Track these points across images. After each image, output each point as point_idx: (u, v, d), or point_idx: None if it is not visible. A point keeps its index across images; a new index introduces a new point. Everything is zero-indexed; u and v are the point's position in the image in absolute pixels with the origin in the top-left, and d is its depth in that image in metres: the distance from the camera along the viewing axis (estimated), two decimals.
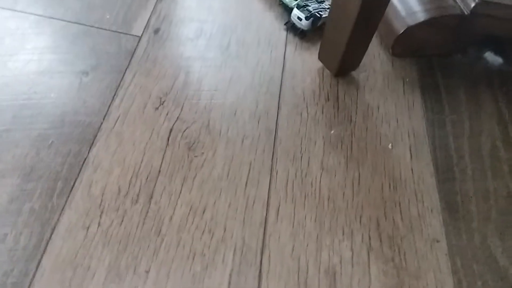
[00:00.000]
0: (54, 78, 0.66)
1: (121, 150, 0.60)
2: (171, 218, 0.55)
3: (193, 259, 0.52)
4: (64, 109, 0.62)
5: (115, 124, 0.62)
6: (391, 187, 0.61)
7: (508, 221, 0.59)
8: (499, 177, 0.63)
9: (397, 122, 0.68)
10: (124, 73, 0.68)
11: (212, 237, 0.54)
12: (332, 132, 0.66)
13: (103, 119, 0.62)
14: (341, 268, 0.53)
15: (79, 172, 0.57)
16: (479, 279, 0.54)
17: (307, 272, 0.52)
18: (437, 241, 0.56)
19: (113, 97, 0.65)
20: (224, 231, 0.54)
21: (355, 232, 0.56)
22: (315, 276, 0.52)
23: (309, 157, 0.63)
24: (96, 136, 0.61)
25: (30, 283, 0.48)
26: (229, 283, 0.50)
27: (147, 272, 0.50)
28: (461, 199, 0.60)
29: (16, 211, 0.53)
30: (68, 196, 0.55)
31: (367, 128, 0.67)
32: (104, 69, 0.68)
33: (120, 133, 0.61)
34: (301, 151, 0.63)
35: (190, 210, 0.56)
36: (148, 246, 0.52)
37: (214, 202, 0.57)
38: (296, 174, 0.61)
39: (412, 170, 0.63)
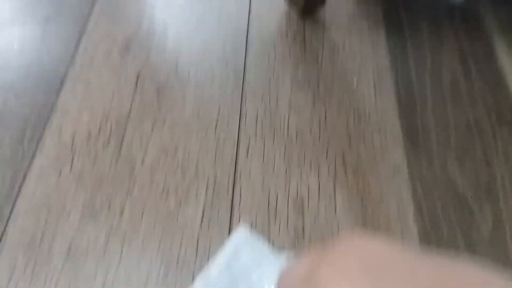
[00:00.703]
0: (15, 27, 0.64)
1: (89, 96, 0.60)
2: (143, 159, 0.56)
3: (167, 197, 0.54)
4: (28, 58, 0.62)
5: (81, 70, 0.62)
6: (356, 121, 0.63)
7: (466, 148, 0.62)
8: (458, 107, 0.65)
9: (362, 58, 0.69)
10: (87, 18, 0.67)
11: (184, 176, 0.55)
12: (299, 71, 0.67)
13: (69, 66, 0.62)
14: (308, 198, 0.55)
15: (48, 119, 0.57)
16: (438, 202, 0.57)
17: (277, 203, 0.55)
18: (399, 169, 0.59)
19: (78, 44, 0.64)
20: (196, 169, 0.56)
21: (322, 165, 0.58)
22: (284, 206, 0.54)
23: (277, 97, 0.64)
24: (63, 83, 0.60)
25: (5, 225, 0.49)
26: (203, 216, 0.53)
27: (122, 210, 0.52)
28: (422, 129, 0.63)
29: None
30: (39, 142, 0.55)
31: (333, 66, 0.68)
32: (66, 15, 0.67)
33: (87, 79, 0.61)
34: (269, 91, 0.64)
35: (161, 151, 0.57)
36: (122, 186, 0.53)
37: (185, 143, 0.58)
38: (264, 113, 0.62)
39: (375, 104, 0.65)
